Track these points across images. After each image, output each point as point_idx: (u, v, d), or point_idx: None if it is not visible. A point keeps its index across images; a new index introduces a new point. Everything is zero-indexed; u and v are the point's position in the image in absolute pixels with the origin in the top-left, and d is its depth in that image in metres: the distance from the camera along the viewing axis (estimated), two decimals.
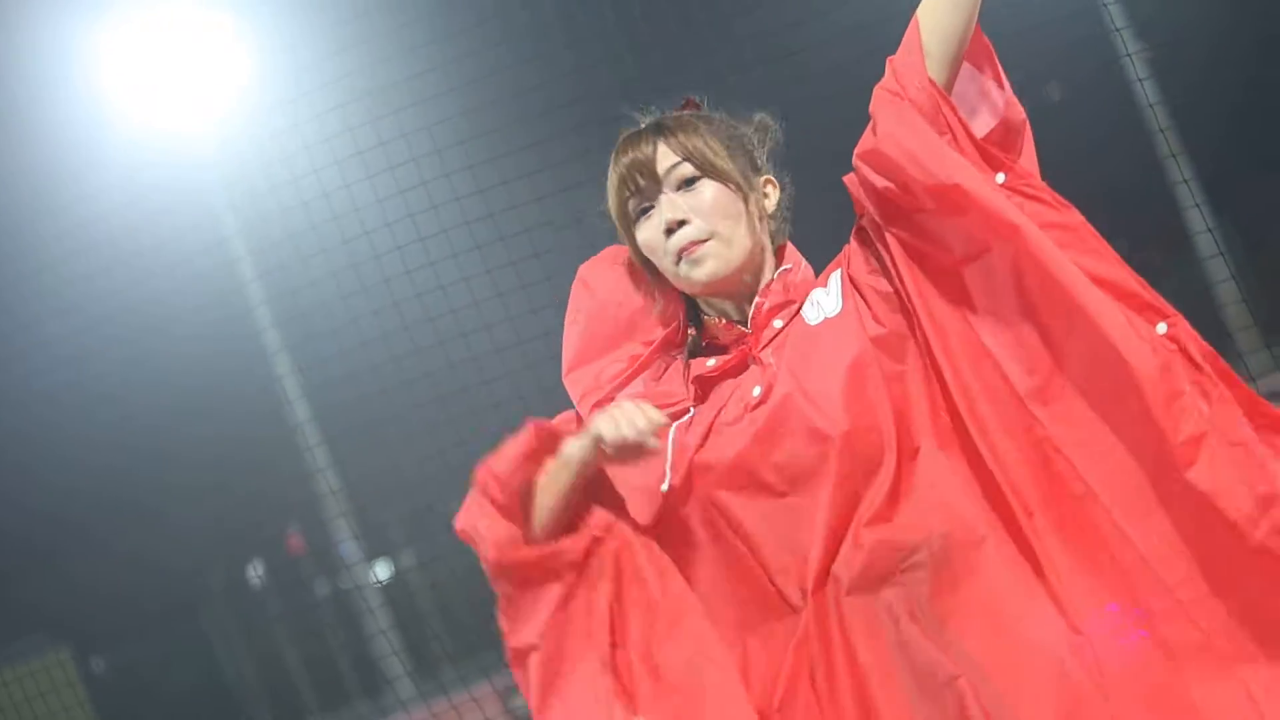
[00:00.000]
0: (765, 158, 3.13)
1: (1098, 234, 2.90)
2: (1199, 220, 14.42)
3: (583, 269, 3.11)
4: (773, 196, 3.10)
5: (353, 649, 24.80)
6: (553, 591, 2.91)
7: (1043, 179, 3.06)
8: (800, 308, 2.97)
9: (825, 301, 2.95)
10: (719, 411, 2.90)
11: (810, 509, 2.81)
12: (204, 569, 25.46)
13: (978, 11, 2.96)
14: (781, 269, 3.03)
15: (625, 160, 2.93)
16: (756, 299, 2.99)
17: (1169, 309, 2.83)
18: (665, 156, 2.93)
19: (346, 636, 25.20)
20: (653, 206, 2.94)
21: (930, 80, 2.93)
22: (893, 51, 2.97)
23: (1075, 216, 2.92)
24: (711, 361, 2.95)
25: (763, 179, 3.08)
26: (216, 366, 13.84)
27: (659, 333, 3.04)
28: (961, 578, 2.79)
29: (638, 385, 3.00)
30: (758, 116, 3.15)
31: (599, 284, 3.09)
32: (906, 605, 2.77)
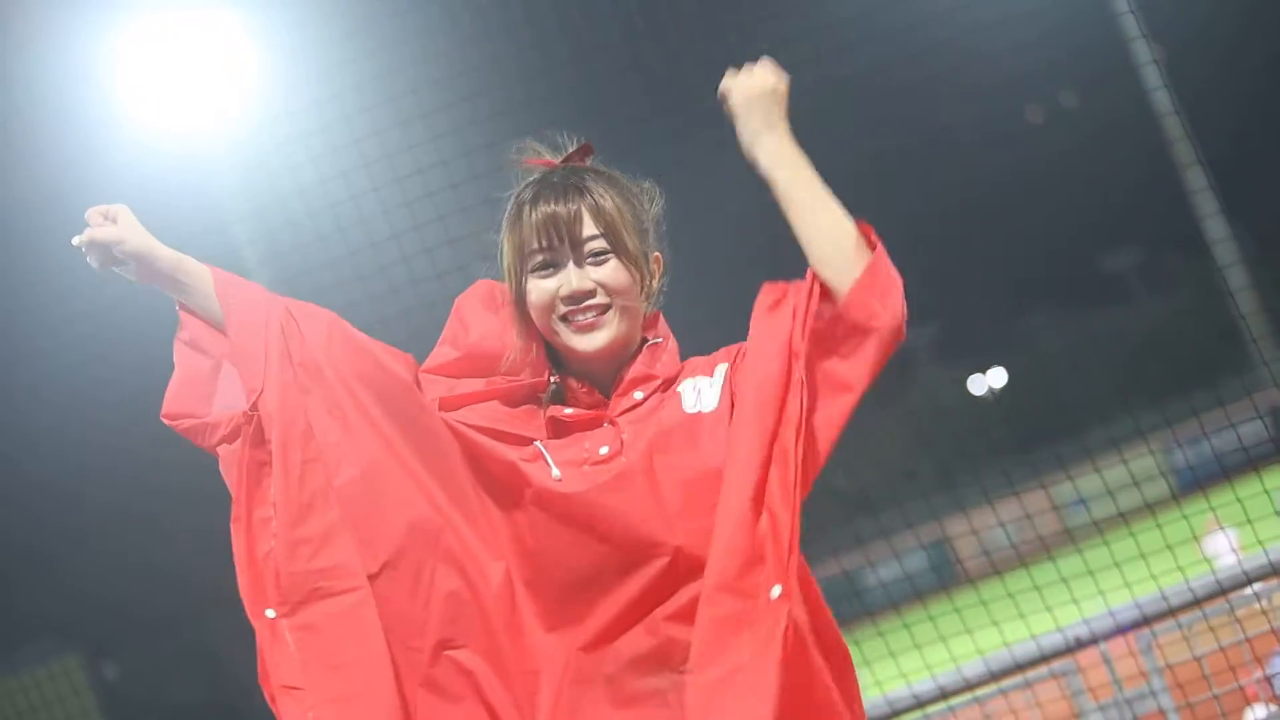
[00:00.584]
0: (654, 230, 3.11)
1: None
2: (1217, 228, 14.36)
3: (460, 302, 3.15)
4: (657, 275, 3.09)
5: None
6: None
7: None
8: (664, 385, 3.00)
9: (706, 393, 2.98)
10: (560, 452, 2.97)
11: (612, 578, 2.84)
12: (214, 576, 25.51)
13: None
14: (651, 341, 3.06)
15: (545, 211, 2.96)
16: (621, 370, 3.02)
17: (789, 579, 2.73)
18: (587, 225, 2.96)
19: None
20: (554, 266, 2.97)
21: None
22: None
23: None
24: (569, 410, 3.00)
25: (654, 256, 3.07)
26: None
27: (526, 374, 3.04)
28: None
29: (494, 407, 3.02)
30: (646, 183, 3.13)
31: (474, 323, 3.11)
32: (676, 695, 2.78)
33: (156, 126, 11.97)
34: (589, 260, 2.95)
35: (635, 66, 7.77)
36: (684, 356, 3.10)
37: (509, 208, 3.00)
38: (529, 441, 2.93)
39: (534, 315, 2.96)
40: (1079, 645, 6.06)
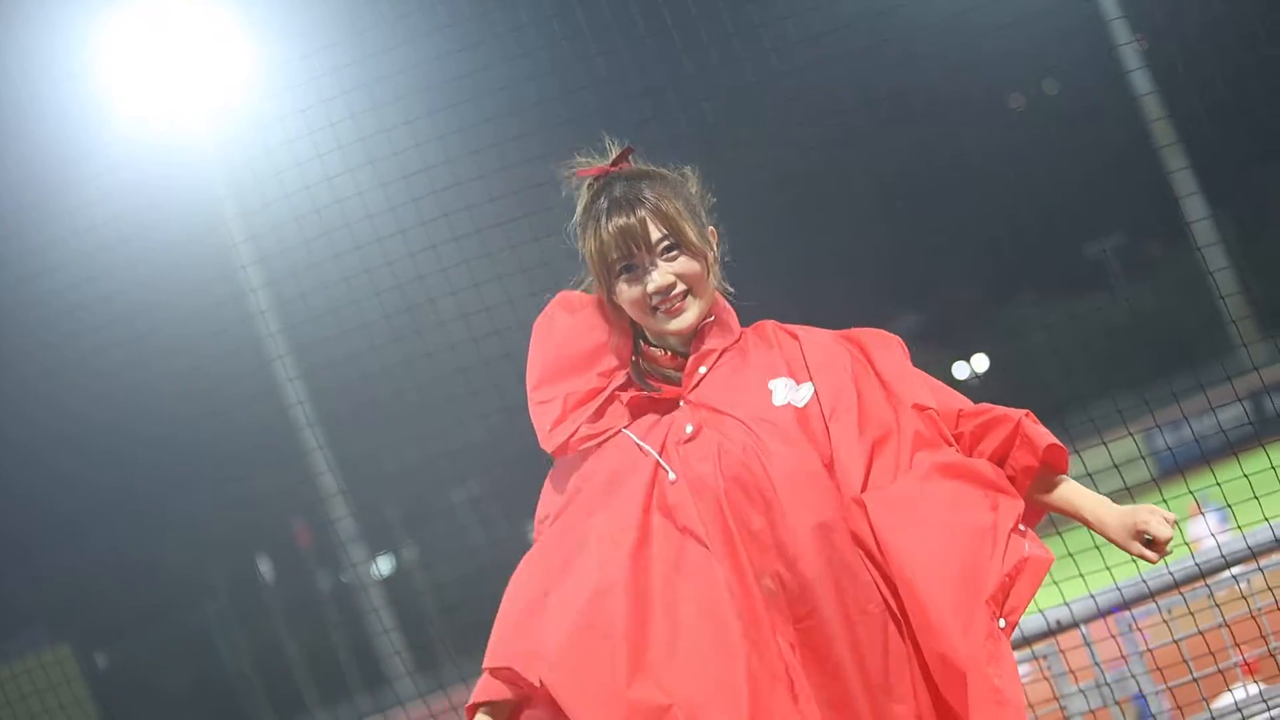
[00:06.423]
0: (703, 208, 3.62)
1: None
2: (1196, 208, 14.43)
3: (539, 319, 3.64)
4: (715, 245, 3.60)
5: (354, 645, 24.84)
6: None
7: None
8: (722, 352, 3.54)
9: (795, 393, 3.49)
10: (666, 435, 3.49)
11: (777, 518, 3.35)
12: (206, 566, 25.53)
13: None
14: (708, 320, 3.56)
15: (618, 225, 3.48)
16: (692, 343, 3.56)
17: None
18: (653, 230, 3.49)
19: (348, 632, 25.24)
20: (636, 266, 3.50)
21: None
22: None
23: None
24: (646, 392, 3.54)
25: (709, 230, 3.60)
26: (221, 371, 13.87)
27: (612, 361, 3.58)
28: None
29: (580, 420, 3.52)
30: (685, 169, 3.63)
31: (557, 328, 3.62)
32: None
33: (146, 122, 11.96)
34: (663, 258, 3.48)
35: (636, 66, 7.83)
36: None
37: (580, 218, 3.54)
38: (617, 432, 3.50)
39: (628, 309, 3.52)
40: (1060, 628, 6.11)
